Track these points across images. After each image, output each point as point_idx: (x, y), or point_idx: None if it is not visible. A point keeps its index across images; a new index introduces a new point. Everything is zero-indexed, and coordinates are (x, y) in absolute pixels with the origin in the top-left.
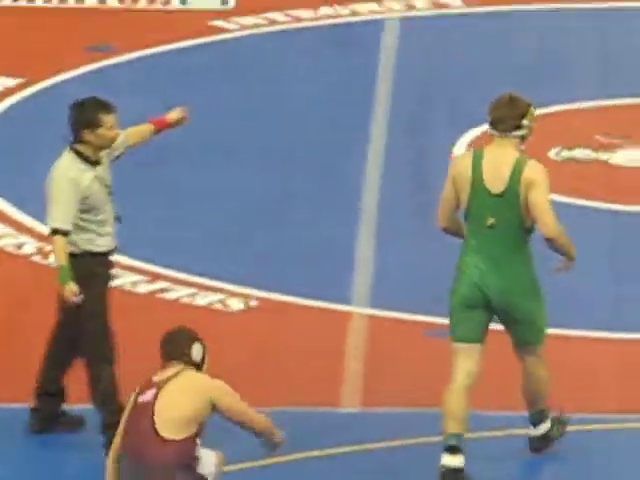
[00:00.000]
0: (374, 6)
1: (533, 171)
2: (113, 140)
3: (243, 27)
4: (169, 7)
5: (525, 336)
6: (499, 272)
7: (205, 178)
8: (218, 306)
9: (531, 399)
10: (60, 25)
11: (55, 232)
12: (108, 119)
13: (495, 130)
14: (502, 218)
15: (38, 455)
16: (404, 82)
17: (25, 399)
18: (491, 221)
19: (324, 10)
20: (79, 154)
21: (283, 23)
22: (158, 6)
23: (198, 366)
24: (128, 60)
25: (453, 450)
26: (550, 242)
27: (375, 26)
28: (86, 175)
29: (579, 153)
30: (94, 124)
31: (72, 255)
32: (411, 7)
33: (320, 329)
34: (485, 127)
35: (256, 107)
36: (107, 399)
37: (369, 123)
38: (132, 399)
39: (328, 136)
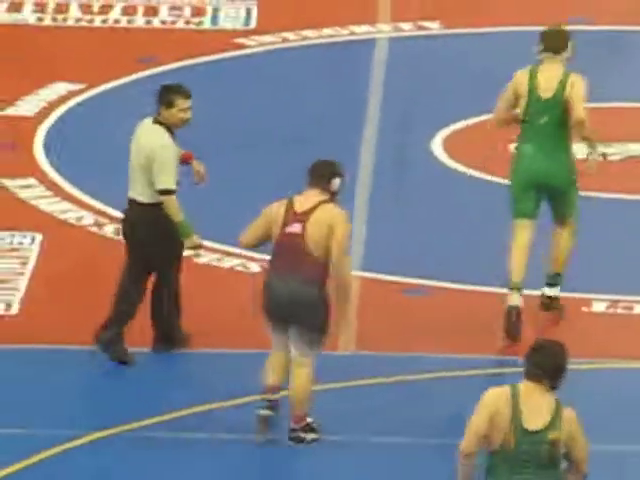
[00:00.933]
0: (368, 28)
1: (576, 78)
2: (183, 121)
3: (261, 44)
4: (202, 27)
5: (563, 209)
6: (547, 159)
7: (231, 165)
8: (239, 268)
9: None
10: (115, 41)
11: (169, 192)
12: (182, 102)
13: (549, 53)
14: (552, 117)
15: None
16: (392, 89)
17: (85, 340)
18: (544, 119)
19: (326, 31)
20: (165, 126)
21: (293, 41)
22: (193, 26)
23: (333, 194)
24: (169, 70)
25: (518, 291)
26: (579, 125)
27: (368, 45)
28: (175, 144)
29: None
30: (170, 103)
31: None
32: (399, 29)
33: None
34: (452, 128)
35: (273, 106)
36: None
37: (363, 123)
38: (277, 226)
39: (329, 133)
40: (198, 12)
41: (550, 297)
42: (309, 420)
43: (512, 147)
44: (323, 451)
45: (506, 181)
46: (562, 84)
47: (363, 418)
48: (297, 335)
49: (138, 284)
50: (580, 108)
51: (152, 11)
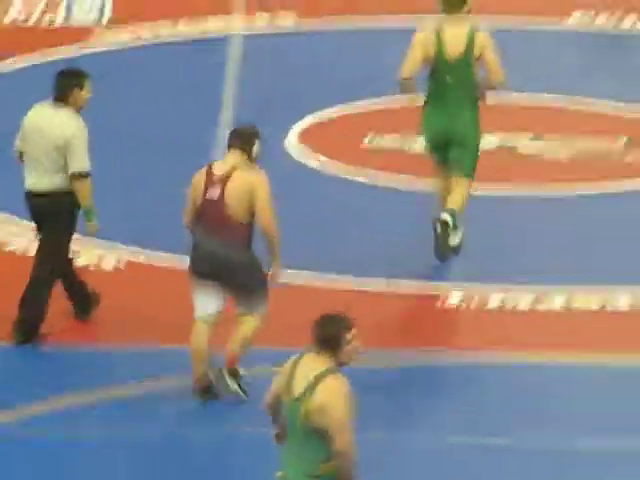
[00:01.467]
0: (222, 24)
1: (484, 37)
2: (86, 103)
3: (115, 38)
4: (55, 22)
5: (463, 161)
6: (452, 117)
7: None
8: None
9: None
10: None
11: (87, 175)
12: (88, 85)
13: (449, 14)
14: (460, 75)
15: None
16: (247, 84)
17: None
18: (451, 78)
19: (181, 27)
20: (72, 108)
21: (148, 39)
22: (45, 21)
23: (253, 156)
24: (21, 67)
25: (449, 214)
26: (500, 87)
27: (223, 41)
28: None
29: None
30: (81, 86)
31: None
32: (253, 26)
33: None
34: (306, 123)
35: (125, 104)
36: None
37: (218, 120)
38: (199, 193)
39: (182, 130)
40: (51, 7)
41: (447, 223)
42: (240, 370)
43: (366, 140)
44: (157, 445)
45: (360, 177)
46: (470, 43)
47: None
48: (235, 296)
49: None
50: (499, 71)
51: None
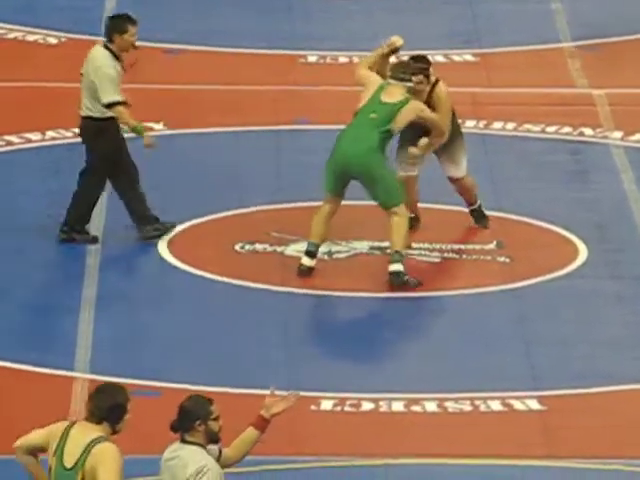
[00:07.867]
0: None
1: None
2: (132, 46)
3: None
4: None
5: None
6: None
7: None
8: None
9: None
10: None
11: (117, 104)
12: (133, 29)
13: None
14: None
15: None
16: None
17: None
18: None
19: (50, 134)
20: (109, 50)
21: (16, 144)
22: None
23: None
24: None
25: (310, 254)
26: None
27: None
28: (117, 64)
29: (259, 247)
30: (122, 30)
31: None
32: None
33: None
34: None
35: None
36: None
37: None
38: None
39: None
40: None
41: (392, 272)
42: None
43: (237, 246)
44: None
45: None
46: None
47: None
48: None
49: None
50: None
51: None
